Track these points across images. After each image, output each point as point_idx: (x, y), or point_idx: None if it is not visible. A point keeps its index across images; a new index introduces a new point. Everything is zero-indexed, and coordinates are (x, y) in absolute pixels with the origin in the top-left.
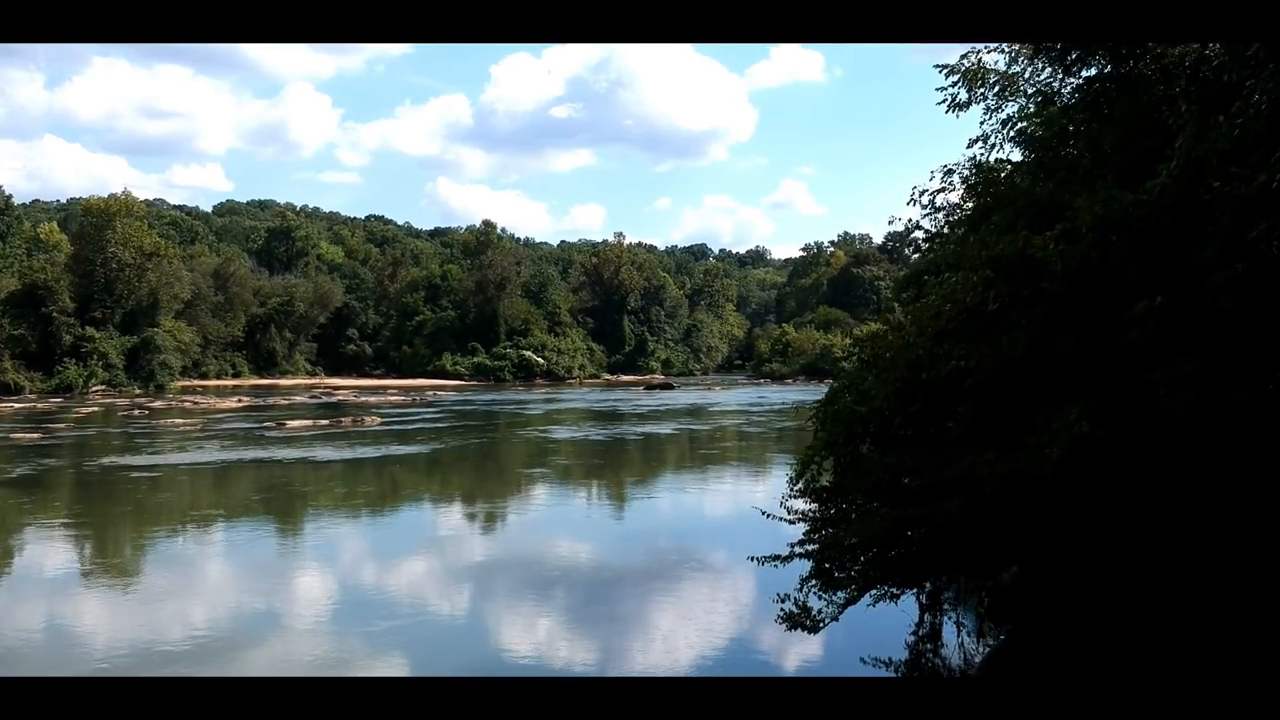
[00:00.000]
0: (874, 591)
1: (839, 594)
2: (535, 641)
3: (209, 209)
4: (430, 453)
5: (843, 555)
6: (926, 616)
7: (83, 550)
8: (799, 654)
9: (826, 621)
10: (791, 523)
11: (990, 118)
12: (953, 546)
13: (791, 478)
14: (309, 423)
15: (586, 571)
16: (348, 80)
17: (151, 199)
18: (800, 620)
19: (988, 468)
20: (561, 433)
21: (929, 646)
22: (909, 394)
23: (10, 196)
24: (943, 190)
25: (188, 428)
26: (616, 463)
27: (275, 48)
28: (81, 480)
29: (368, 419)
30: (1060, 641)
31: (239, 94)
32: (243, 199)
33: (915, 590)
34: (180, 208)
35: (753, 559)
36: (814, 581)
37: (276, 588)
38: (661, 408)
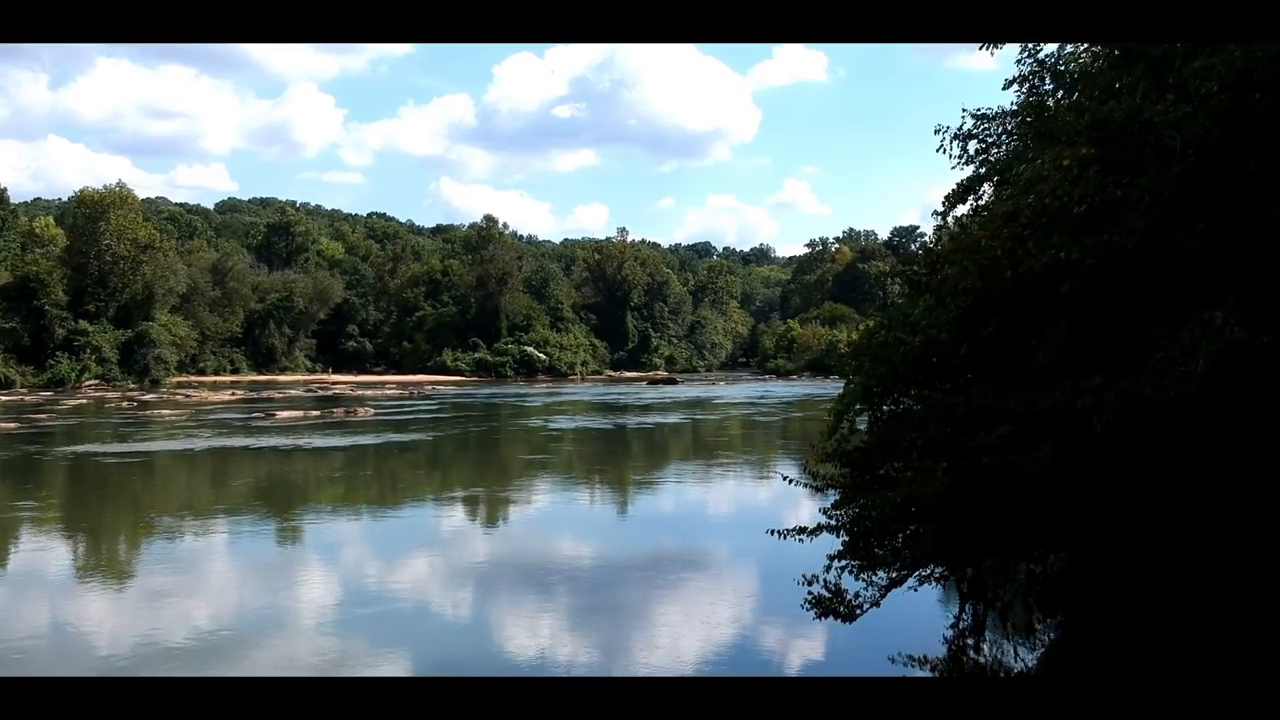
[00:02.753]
0: (919, 573)
1: (879, 574)
2: (536, 636)
3: (211, 207)
4: (423, 441)
5: (886, 526)
6: (968, 606)
7: (45, 535)
8: (812, 651)
9: (865, 608)
10: (819, 489)
11: (1027, 57)
12: (1036, 511)
13: (824, 432)
14: (300, 414)
15: (590, 559)
16: (351, 80)
17: (154, 197)
18: (833, 607)
19: (1093, 397)
20: (562, 422)
21: (970, 642)
22: (977, 317)
23: (5, 190)
24: (974, 137)
25: (175, 418)
26: (619, 451)
27: (278, 48)
28: (54, 467)
29: (360, 410)
30: (1145, 634)
31: (242, 94)
32: (245, 198)
33: (955, 578)
34: (181, 205)
35: (773, 533)
36: (847, 560)
37: (250, 574)
38: (667, 399)
